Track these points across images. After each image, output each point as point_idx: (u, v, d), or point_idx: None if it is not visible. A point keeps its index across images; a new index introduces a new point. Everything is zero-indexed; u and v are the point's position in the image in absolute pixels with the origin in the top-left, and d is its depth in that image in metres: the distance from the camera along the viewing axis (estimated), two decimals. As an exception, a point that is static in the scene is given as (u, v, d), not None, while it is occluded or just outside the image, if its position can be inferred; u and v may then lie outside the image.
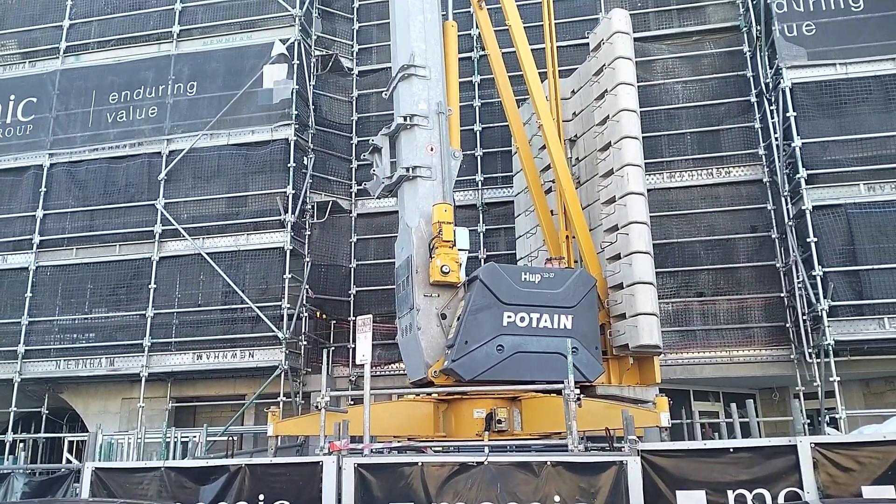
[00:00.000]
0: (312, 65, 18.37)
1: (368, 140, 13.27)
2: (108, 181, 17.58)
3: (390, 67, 13.38)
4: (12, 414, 16.30)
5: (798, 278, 14.14)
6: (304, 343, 16.41)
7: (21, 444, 13.77)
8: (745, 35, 16.58)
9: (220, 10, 18.32)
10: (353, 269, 17.71)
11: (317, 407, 9.09)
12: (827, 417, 12.96)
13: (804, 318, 14.07)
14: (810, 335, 13.98)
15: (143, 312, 16.31)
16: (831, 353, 13.10)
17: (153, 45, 18.51)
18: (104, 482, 8.48)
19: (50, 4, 19.47)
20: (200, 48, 18.17)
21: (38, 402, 16.86)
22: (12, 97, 18.93)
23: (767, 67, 15.44)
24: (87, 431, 14.91)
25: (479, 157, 17.47)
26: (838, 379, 13.00)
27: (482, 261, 16.25)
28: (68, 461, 14.70)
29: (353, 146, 18.47)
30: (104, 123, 18.09)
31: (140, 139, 17.77)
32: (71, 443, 15.56)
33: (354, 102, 18.89)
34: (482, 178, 17.39)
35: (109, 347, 16.37)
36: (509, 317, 10.47)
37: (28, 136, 18.50)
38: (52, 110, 18.49)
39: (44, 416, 16.72)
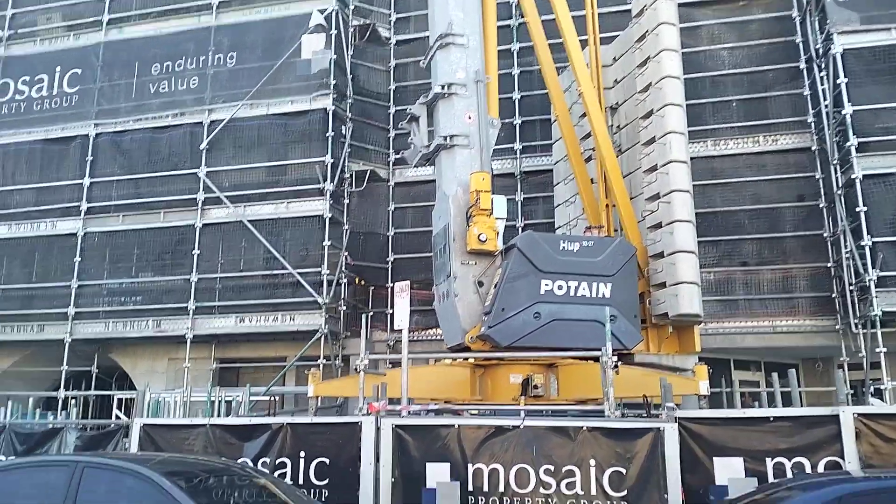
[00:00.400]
0: (350, 34, 18.35)
1: (406, 109, 13.25)
2: (152, 150, 17.95)
3: (428, 36, 13.27)
4: (64, 372, 16.97)
5: (846, 248, 13.80)
6: (344, 308, 16.64)
7: (73, 401, 14.32)
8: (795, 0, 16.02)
9: (259, -20, 18.36)
10: (390, 237, 17.84)
11: (356, 369, 9.24)
12: (872, 388, 12.72)
13: (851, 288, 13.74)
14: (857, 305, 13.65)
15: (188, 277, 16.72)
16: (878, 323, 12.83)
17: (193, 17, 18.69)
18: (152, 437, 8.78)
19: (94, -23, 19.77)
20: (240, 19, 18.30)
21: (89, 361, 17.51)
22: (58, 69, 19.35)
23: (818, 33, 14.93)
24: (136, 390, 15.38)
25: (517, 126, 17.32)
26: (884, 350, 12.74)
27: (520, 230, 16.20)
28: (118, 417, 15.22)
29: (391, 115, 18.46)
30: (147, 94, 18.41)
31: (182, 109, 18.04)
32: (120, 400, 16.10)
33: (392, 72, 18.84)
34: (521, 147, 17.26)
35: (156, 310, 16.88)
36: (547, 285, 10.44)
37: (74, 107, 18.94)
38: (96, 81, 18.87)
39: (94, 375, 17.39)
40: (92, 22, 19.41)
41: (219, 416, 12.12)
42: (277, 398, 13.67)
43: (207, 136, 17.45)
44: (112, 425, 10.19)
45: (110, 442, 9.56)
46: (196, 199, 17.13)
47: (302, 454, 8.12)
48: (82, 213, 17.87)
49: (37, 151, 18.91)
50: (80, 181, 18.14)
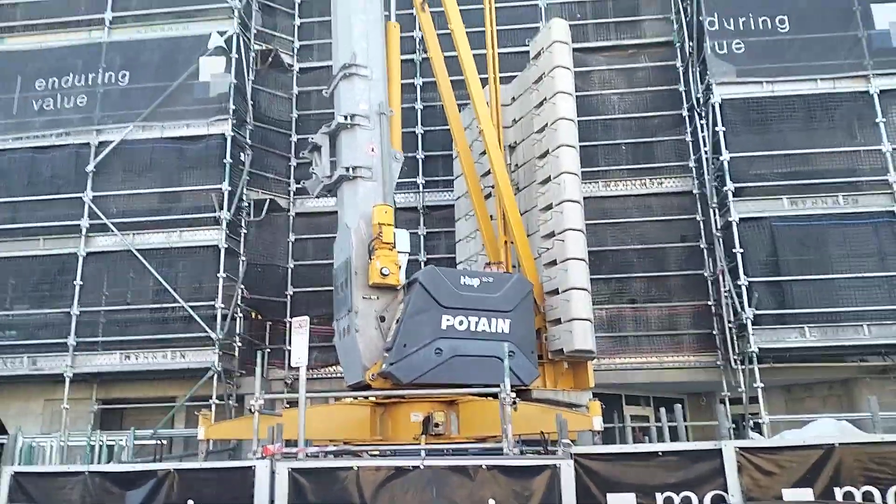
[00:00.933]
0: (252, 59, 18.01)
1: (308, 138, 13.11)
2: (33, 172, 16.77)
3: (332, 65, 13.26)
4: (-78, 415, 15.40)
5: (725, 287, 14.74)
6: (239, 344, 16.06)
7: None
8: (679, 50, 17.20)
9: (156, -2, 17.77)
10: (290, 270, 17.47)
11: (250, 410, 8.91)
12: (751, 422, 13.52)
13: (730, 326, 14.69)
14: (736, 343, 14.60)
15: (69, 310, 15.62)
16: (755, 360, 13.70)
17: (83, 31, 17.77)
18: (24, 487, 8.10)
19: (-30, -16, 18.51)
20: (134, 36, 17.57)
21: (-48, 402, 15.98)
22: (-71, 79, 17.87)
23: (699, 83, 16.05)
24: (6, 434, 14.17)
25: (420, 160, 17.51)
26: (762, 385, 13.61)
27: (422, 264, 16.29)
28: (-17, 465, 13.95)
29: (293, 144, 18.22)
30: (30, 111, 17.26)
31: (68, 129, 17.02)
32: (-12, 446, 14.78)
33: (295, 99, 18.65)
34: (423, 181, 17.44)
35: (32, 346, 15.60)
36: (448, 320, 10.53)
37: (-55, 122, 17.51)
38: (-28, 95, 17.55)
39: (-42, 418, 15.86)
40: (-31, 31, 18.11)
41: (100, 462, 11.38)
42: (165, 442, 12.94)
43: (95, 158, 16.52)
44: (-23, 475, 9.31)
45: (-26, 494, 8.73)
46: (80, 225, 16.11)
47: (190, 503, 7.71)
48: (-50, 239, 16.43)
49: None
50: (-52, 204, 16.70)
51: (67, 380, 15.27)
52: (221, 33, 17.05)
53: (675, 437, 11.93)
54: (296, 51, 18.95)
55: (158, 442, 12.46)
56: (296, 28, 19.07)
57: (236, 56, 16.96)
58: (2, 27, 18.06)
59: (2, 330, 15.93)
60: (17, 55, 17.78)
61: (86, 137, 16.82)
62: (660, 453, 7.76)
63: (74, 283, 15.79)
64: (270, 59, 18.51)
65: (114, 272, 16.00)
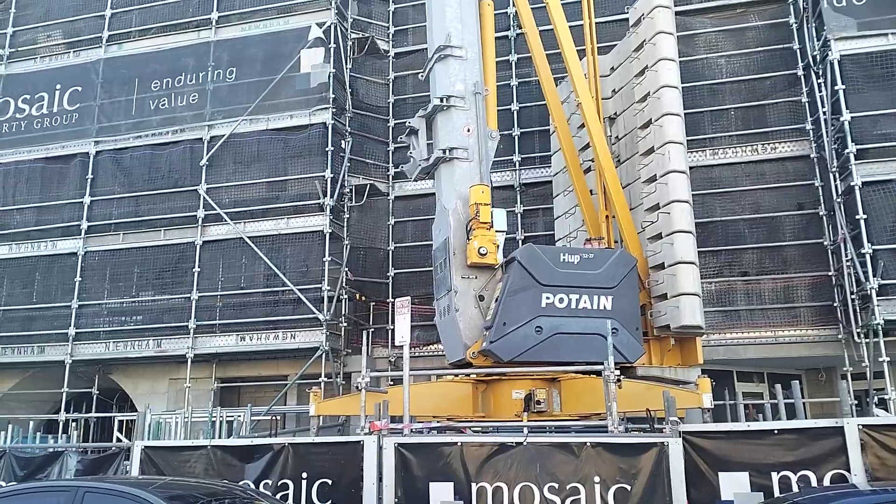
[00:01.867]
0: (349, 48, 18.40)
1: (405, 122, 13.25)
2: (152, 167, 17.95)
3: (426, 49, 13.30)
4: (64, 394, 16.89)
5: (846, 256, 13.76)
6: (344, 324, 16.59)
7: (73, 424, 14.28)
8: (791, 6, 16.06)
9: (258, -5, 18.44)
10: (391, 252, 17.80)
11: (357, 387, 9.20)
12: (876, 398, 12.65)
13: (852, 297, 13.69)
14: (859, 314, 13.59)
15: (188, 295, 16.67)
16: (881, 332, 12.77)
17: (192, 32, 18.72)
18: (153, 460, 8.75)
19: (92, -6, 19.87)
20: (239, 34, 18.32)
21: (89, 382, 17.44)
22: (58, 86, 19.39)
23: (815, 39, 14.94)
24: (136, 411, 15.34)
25: (516, 137, 17.33)
26: (888, 359, 12.67)
27: (520, 242, 16.17)
28: (118, 440, 15.17)
29: (391, 129, 18.48)
30: (147, 111, 18.44)
31: (182, 125, 18.06)
32: (121, 422, 16.07)
33: (391, 85, 18.88)
34: (520, 159, 17.26)
35: (156, 329, 16.82)
36: (548, 298, 10.40)
37: (74, 125, 18.97)
38: (96, 98, 18.90)
39: (94, 397, 17.28)
40: (92, 39, 19.46)
41: (220, 436, 12.10)
42: (279, 418, 13.62)
43: (207, 153, 17.46)
44: (113, 448, 10.14)
45: (111, 465, 9.51)
46: (196, 216, 17.11)
47: (304, 475, 8.09)
48: (83, 232, 17.83)
49: (37, 170, 18.90)
50: (80, 200, 18.12)
51: (189, 360, 16.32)
52: (320, 25, 17.51)
53: (791, 414, 11.32)
54: (391, 36, 19.16)
55: (273, 418, 13.13)
56: (390, 14, 19.27)
57: (334, 46, 17.36)
58: (119, 34, 19.29)
59: (129, 315, 17.24)
60: (134, 59, 18.98)
61: (198, 133, 17.78)
62: (775, 431, 7.42)
63: (193, 270, 16.80)
64: (367, 46, 18.85)
65: (228, 259, 16.92)
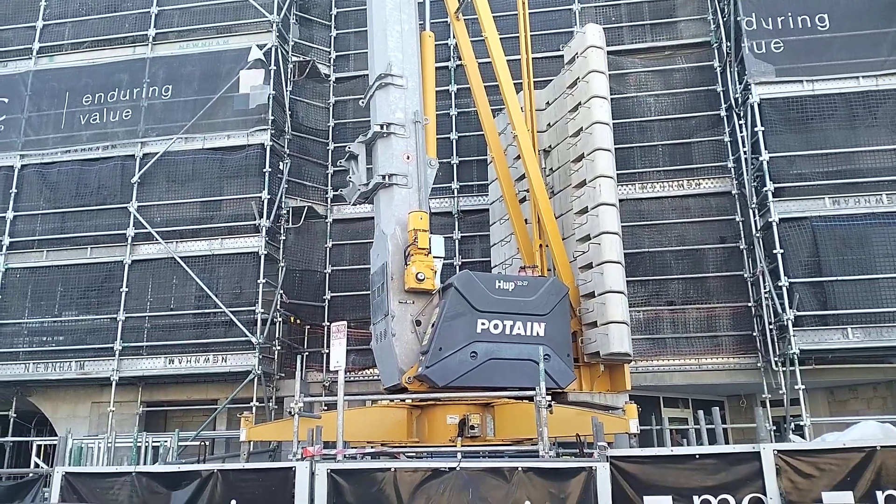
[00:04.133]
0: (289, 71, 18.39)
1: (345, 146, 13.33)
2: (81, 183, 17.39)
3: (367, 75, 13.47)
4: (-22, 418, 16.06)
5: (765, 288, 14.50)
6: (278, 348, 16.38)
7: (-12, 449, 13.57)
8: (716, 51, 16.98)
9: (197, 14, 18.25)
10: (327, 275, 17.72)
11: (290, 412, 9.10)
12: (792, 425, 13.29)
13: (771, 327, 14.44)
14: (776, 344, 14.34)
15: (115, 316, 16.14)
16: (797, 361, 13.44)
17: (128, 48, 18.37)
18: (74, 487, 8.40)
19: (23, 4, 19.24)
20: (176, 52, 18.07)
21: (6, 405, 16.60)
22: (-18, 97, 18.66)
23: (737, 83, 15.85)
24: (56, 435, 14.69)
25: (455, 165, 17.62)
26: (803, 387, 13.36)
27: (457, 268, 16.38)
28: (37, 465, 14.47)
29: (330, 152, 18.51)
30: (77, 125, 17.90)
31: (113, 141, 17.61)
32: (40, 447, 15.31)
33: (331, 108, 18.94)
34: (458, 186, 17.54)
35: (80, 351, 16.18)
36: (483, 324, 10.60)
37: (-2, 137, 18.26)
38: (23, 111, 18.24)
39: (11, 420, 16.45)
40: (21, 50, 18.83)
41: (145, 463, 11.70)
42: (207, 443, 13.27)
43: (139, 170, 17.06)
44: (31, 474, 9.69)
45: (29, 492, 9.08)
46: (126, 234, 16.66)
47: (233, 503, 7.91)
48: (4, 248, 17.10)
49: (-44, 182, 18.08)
50: (2, 214, 17.37)
51: (114, 383, 15.77)
52: (261, 46, 17.46)
53: (713, 439, 11.79)
54: (332, 61, 19.26)
55: (201, 443, 12.78)
56: (332, 39, 19.39)
57: (275, 68, 17.33)
58: (51, 45, 18.74)
59: (51, 335, 16.55)
60: (66, 72, 18.44)
61: (131, 150, 17.38)
62: (697, 456, 7.70)
63: (120, 289, 16.31)
64: (308, 69, 18.87)
65: (158, 279, 16.49)
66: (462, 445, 9.47)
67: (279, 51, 17.66)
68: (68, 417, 16.45)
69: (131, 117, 17.70)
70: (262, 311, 15.65)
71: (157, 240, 16.48)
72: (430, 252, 11.26)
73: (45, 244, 17.12)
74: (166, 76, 17.89)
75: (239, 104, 17.36)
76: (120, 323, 16.06)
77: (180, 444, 12.09)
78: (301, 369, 9.32)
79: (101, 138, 17.72)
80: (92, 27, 18.71)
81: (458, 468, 7.65)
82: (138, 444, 12.03)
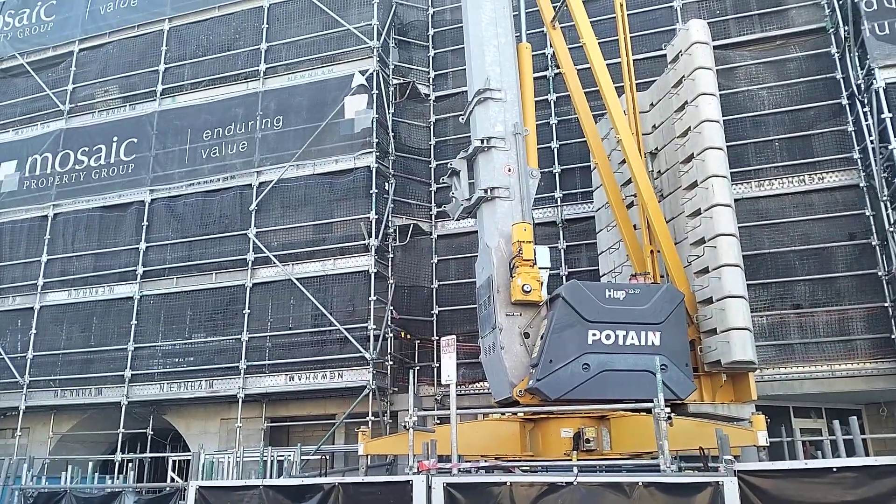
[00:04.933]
0: (391, 93, 18.88)
1: (447, 163, 13.49)
2: (204, 213, 18.57)
3: (466, 91, 13.60)
4: (120, 435, 17.35)
5: (903, 287, 13.37)
6: (391, 363, 16.72)
7: (129, 464, 14.60)
8: (833, 36, 15.92)
9: (303, 46, 19.12)
10: (434, 290, 17.94)
11: (405, 426, 9.25)
12: (942, 434, 12.13)
13: (911, 328, 13.27)
14: (918, 347, 13.15)
15: (239, 336, 17.05)
16: (944, 366, 12.30)
17: (242, 84, 19.46)
18: (207, 500, 8.89)
19: (147, 50, 20.83)
20: (285, 83, 18.97)
21: (144, 423, 17.85)
22: (115, 138, 20.31)
23: (858, 68, 14.80)
24: (189, 451, 15.62)
25: (557, 174, 17.43)
26: (952, 394, 12.18)
27: (564, 278, 16.14)
28: (172, 479, 15.44)
29: (432, 170, 18.80)
30: (199, 159, 19.15)
31: (232, 172, 18.69)
32: (174, 462, 16.37)
33: (432, 127, 19.25)
34: (561, 195, 17.33)
35: (208, 370, 17.23)
36: (594, 335, 10.35)
37: (130, 174, 19.78)
38: (151, 149, 19.71)
39: (149, 437, 17.67)
40: (147, 92, 20.38)
41: (271, 476, 12.22)
42: (328, 457, 13.70)
43: (256, 198, 18.01)
44: (168, 488, 10.37)
45: (167, 505, 9.71)
46: (246, 259, 17.60)
47: (354, 514, 8.11)
48: (138, 277, 18.49)
49: (95, 218, 19.73)
50: (136, 246, 18.82)
51: (240, 400, 16.61)
52: (363, 72, 18.05)
53: (851, 451, 10.92)
54: (431, 80, 19.61)
55: (322, 457, 13.21)
56: (430, 59, 19.76)
57: (377, 92, 17.84)
58: (173, 87, 20.19)
59: (182, 357, 17.72)
60: (187, 110, 19.79)
61: (248, 179, 18.37)
62: (835, 469, 7.18)
63: (243, 311, 17.21)
64: (408, 90, 19.31)
65: (277, 300, 17.30)
66: (578, 459, 9.26)
67: (380, 75, 18.18)
68: (200, 434, 17.50)
69: (247, 148, 18.73)
70: (374, 327, 16.05)
71: (274, 263, 17.30)
72: (535, 263, 11.15)
73: (174, 272, 18.37)
74: (277, 107, 18.82)
75: (345, 129, 17.99)
76: (244, 343, 16.94)
77: (303, 457, 12.54)
78: (413, 383, 9.43)
79: (221, 170, 18.85)
80: (208, 67, 20.00)
81: (575, 482, 7.49)
82: (264, 458, 12.59)
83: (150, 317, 18.23)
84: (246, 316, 17.15)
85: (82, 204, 19.98)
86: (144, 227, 18.91)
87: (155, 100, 20.15)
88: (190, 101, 19.88)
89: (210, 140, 19.23)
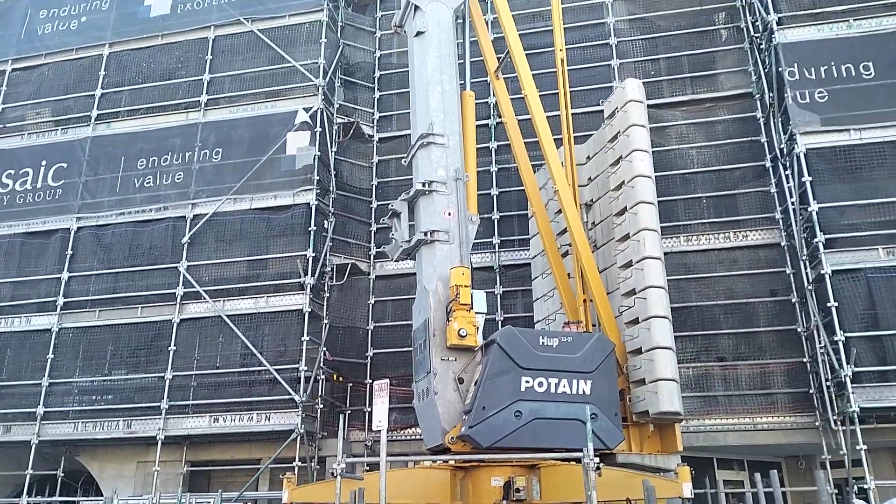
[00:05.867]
0: (334, 132, 18.88)
1: (388, 204, 13.52)
2: (133, 244, 17.95)
3: (410, 134, 13.74)
4: (28, 477, 16.27)
5: (820, 343, 13.95)
6: (321, 406, 16.32)
7: (36, 509, 13.73)
8: (758, 102, 16.85)
9: (247, 80, 18.99)
10: (370, 331, 17.75)
11: (332, 473, 9.01)
12: (855, 488, 12.57)
13: (828, 384, 13.81)
14: (835, 401, 13.68)
15: (162, 374, 16.38)
16: (857, 420, 12.81)
17: (181, 114, 19.10)
18: (118, 549, 8.41)
19: (84, 74, 20.29)
20: (227, 116, 18.73)
21: (55, 464, 16.82)
22: (43, 162, 19.56)
23: (781, 133, 15.63)
24: (102, 496, 14.79)
25: (496, 220, 17.67)
26: (865, 448, 12.65)
27: (500, 324, 16.25)
28: (82, 526, 14.58)
29: (373, 210, 18.79)
30: (131, 188, 18.59)
31: (166, 203, 18.19)
32: (86, 507, 15.48)
33: (375, 167, 19.31)
34: (499, 241, 17.55)
35: (127, 410, 16.40)
36: (527, 381, 10.39)
37: (57, 201, 19.03)
38: (81, 175, 19.04)
39: (59, 480, 16.62)
40: (81, 117, 19.76)
41: (189, 523, 11.66)
42: (251, 504, 13.24)
43: (190, 230, 17.55)
44: (76, 535, 9.75)
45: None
46: (175, 293, 17.04)
47: (275, 566, 7.80)
48: (58, 309, 17.65)
49: (16, 245, 18.82)
50: (57, 276, 18.00)
51: (159, 442, 15.87)
52: (307, 109, 18.00)
53: (771, 503, 11.20)
54: (375, 122, 19.73)
55: (245, 504, 12.71)
56: (375, 100, 19.91)
57: (320, 129, 17.81)
58: (108, 113, 19.64)
59: (100, 394, 16.84)
60: (122, 137, 19.26)
61: (182, 211, 17.91)
62: (755, 522, 7.34)
63: (168, 348, 16.58)
64: (352, 130, 19.34)
65: (205, 337, 16.74)
66: (507, 509, 9.18)
67: (325, 113, 18.18)
68: (114, 477, 16.59)
69: (183, 180, 18.31)
70: (306, 368, 15.70)
71: (204, 298, 16.80)
72: (472, 308, 11.18)
73: (97, 304, 17.60)
74: (217, 139, 18.52)
75: (286, 165, 17.83)
76: (167, 381, 16.27)
77: (224, 504, 12.05)
78: (343, 428, 9.23)
79: (154, 200, 18.32)
80: (147, 94, 19.59)
81: (503, 533, 7.42)
82: (182, 505, 12.02)
83: (69, 351, 17.33)
84: (171, 353, 16.52)
85: (3, 229, 19.07)
86: (68, 255, 18.14)
87: (89, 125, 19.56)
88: (126, 128, 19.38)
89: (144, 169, 18.73)
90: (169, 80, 19.58)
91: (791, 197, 15.04)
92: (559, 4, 14.61)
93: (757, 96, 16.90)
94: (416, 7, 13.71)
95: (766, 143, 16.42)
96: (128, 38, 20.30)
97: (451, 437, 10.43)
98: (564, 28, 14.65)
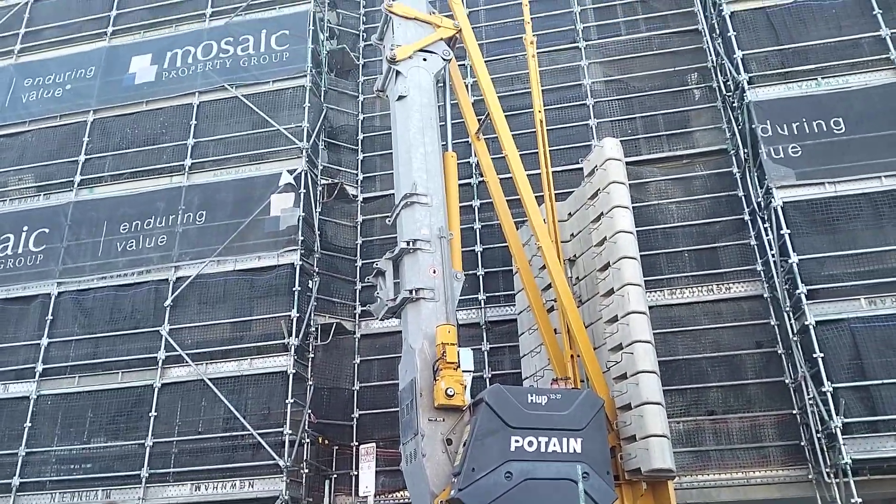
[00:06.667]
0: (319, 193, 19.01)
1: (373, 263, 13.54)
2: (115, 309, 17.69)
3: (393, 194, 13.88)
4: (0, 554, 15.66)
5: (808, 395, 13.93)
6: (306, 471, 15.88)
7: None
8: (734, 157, 17.24)
9: (231, 143, 19.14)
10: (356, 392, 17.48)
11: (319, 541, 8.75)
12: (853, 542, 12.37)
13: (818, 435, 13.73)
14: (826, 454, 13.59)
15: (143, 441, 15.94)
16: (850, 472, 12.70)
17: (165, 178, 19.14)
18: None
19: (67, 140, 20.32)
20: (211, 179, 18.80)
21: (29, 539, 16.19)
22: (25, 228, 19.41)
23: (758, 187, 15.95)
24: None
25: (480, 277, 17.70)
26: (860, 500, 12.51)
27: (488, 381, 16.11)
28: None
29: (358, 269, 18.77)
30: (114, 252, 18.43)
31: (148, 266, 18.02)
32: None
33: (359, 227, 19.39)
34: (485, 297, 17.54)
35: (107, 479, 15.84)
36: (517, 441, 10.23)
37: (38, 266, 18.79)
38: (63, 240, 18.90)
39: (33, 556, 16.00)
40: (63, 182, 19.67)
41: None
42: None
43: (172, 293, 17.38)
44: None
45: None
46: (157, 357, 16.75)
47: None
48: (37, 376, 17.25)
49: (-6, 311, 18.54)
50: (37, 342, 17.66)
51: (139, 513, 15.36)
52: (291, 171, 18.12)
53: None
54: (359, 182, 19.91)
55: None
56: (359, 162, 20.12)
57: (304, 191, 17.89)
58: (91, 178, 19.63)
59: (79, 463, 16.31)
60: (105, 202, 19.16)
61: (164, 274, 17.76)
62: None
63: (149, 414, 16.17)
64: (336, 191, 19.48)
65: (187, 402, 16.34)
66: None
67: (308, 175, 18.33)
68: (91, 551, 15.96)
69: (166, 243, 18.21)
70: (290, 432, 15.33)
71: (187, 362, 16.53)
72: (459, 366, 11.11)
73: (76, 370, 17.19)
74: (201, 202, 18.52)
75: (270, 227, 17.84)
76: (147, 449, 15.82)
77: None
78: (330, 494, 9.01)
79: (137, 264, 18.15)
80: (131, 159, 19.60)
81: None
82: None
83: (47, 419, 16.83)
84: (152, 419, 16.12)
85: (-18, 296, 18.78)
86: (48, 321, 17.84)
87: (72, 190, 19.51)
88: (109, 193, 19.33)
89: (127, 233, 18.62)
90: (153, 145, 19.62)
91: (771, 249, 15.24)
92: (536, 67, 15.02)
93: (732, 152, 17.31)
94: (398, 72, 14.05)
95: (743, 198, 16.74)
96: (112, 105, 20.42)
97: (441, 501, 10.22)
98: (542, 90, 14.99)
